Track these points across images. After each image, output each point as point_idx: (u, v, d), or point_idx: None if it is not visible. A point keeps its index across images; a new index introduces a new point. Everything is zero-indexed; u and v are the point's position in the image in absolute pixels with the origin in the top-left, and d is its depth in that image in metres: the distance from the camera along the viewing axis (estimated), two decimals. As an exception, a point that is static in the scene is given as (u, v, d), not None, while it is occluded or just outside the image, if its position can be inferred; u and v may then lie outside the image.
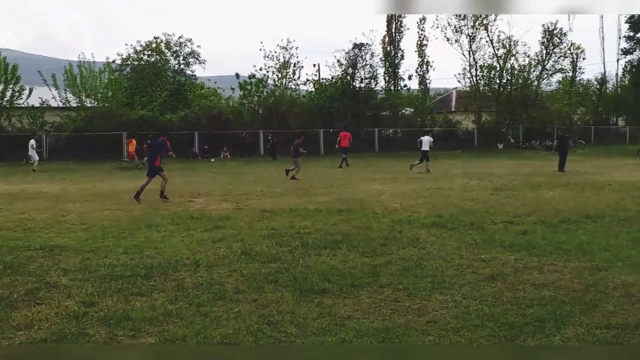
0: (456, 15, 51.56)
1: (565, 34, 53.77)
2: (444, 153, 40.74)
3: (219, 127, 40.90)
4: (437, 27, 53.14)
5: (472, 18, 51.72)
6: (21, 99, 39.16)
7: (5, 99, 38.66)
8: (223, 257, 8.73)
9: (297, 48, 47.19)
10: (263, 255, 8.81)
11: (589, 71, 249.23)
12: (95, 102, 40.74)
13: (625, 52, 54.00)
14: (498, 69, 52.76)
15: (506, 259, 8.43)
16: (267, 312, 6.15)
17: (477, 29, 52.09)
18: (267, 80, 46.83)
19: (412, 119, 50.70)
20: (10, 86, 38.81)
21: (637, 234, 10.26)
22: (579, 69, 58.27)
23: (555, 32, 53.30)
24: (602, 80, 61.76)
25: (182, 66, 52.18)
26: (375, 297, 6.68)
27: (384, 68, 51.46)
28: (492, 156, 38.90)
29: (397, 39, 51.90)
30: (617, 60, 62.37)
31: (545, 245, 9.35)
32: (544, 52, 53.71)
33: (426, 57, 53.01)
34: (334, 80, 48.46)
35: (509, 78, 53.34)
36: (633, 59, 53.91)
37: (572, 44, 55.62)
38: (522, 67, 53.59)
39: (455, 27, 52.21)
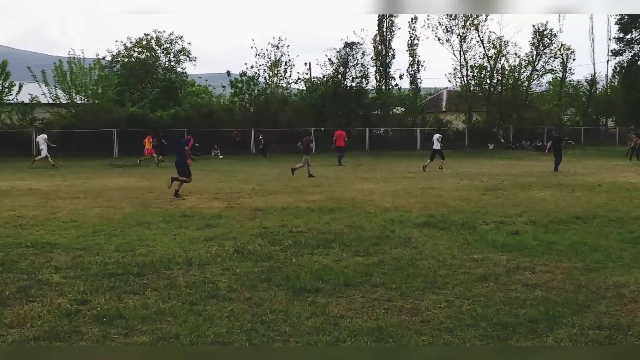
0: (447, 15, 51.70)
1: (555, 35, 54.04)
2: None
3: (210, 125, 40.81)
4: (428, 26, 53.21)
5: (463, 18, 51.88)
6: (10, 95, 38.94)
7: (-5, 95, 38.45)
8: (215, 256, 8.71)
9: (288, 46, 47.20)
10: (255, 254, 8.80)
11: (579, 72, 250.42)
12: (85, 99, 40.51)
13: (615, 53, 54.20)
14: (489, 69, 52.95)
15: (498, 259, 8.46)
16: (261, 311, 6.15)
17: (467, 29, 52.26)
18: (258, 78, 46.81)
19: (403, 118, 50.80)
20: (0, 82, 38.55)
21: (627, 235, 10.32)
22: (569, 69, 58.54)
23: (545, 32, 53.53)
24: (592, 81, 62.08)
25: (172, 63, 52.00)
26: (369, 297, 6.68)
27: (375, 67, 51.54)
28: (483, 156, 39.05)
29: (388, 38, 51.95)
30: (607, 62, 62.69)
31: (537, 245, 9.39)
32: (535, 52, 53.96)
33: (417, 56, 53.10)
34: (325, 79, 48.49)
35: (500, 78, 53.54)
36: (623, 60, 54.14)
37: (562, 44, 55.87)
38: (513, 67, 53.83)
39: (446, 27, 52.38)
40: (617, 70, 56.60)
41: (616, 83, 60.76)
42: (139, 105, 41.90)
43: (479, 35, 52.39)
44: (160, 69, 51.23)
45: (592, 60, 72.57)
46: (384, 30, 51.82)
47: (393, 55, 52.27)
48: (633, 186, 18.81)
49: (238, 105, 46.12)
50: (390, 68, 52.21)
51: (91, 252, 8.99)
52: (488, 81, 53.33)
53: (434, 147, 26.83)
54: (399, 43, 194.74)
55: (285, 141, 41.99)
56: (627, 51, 53.75)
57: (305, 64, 60.86)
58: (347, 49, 48.14)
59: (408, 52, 52.96)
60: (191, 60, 52.91)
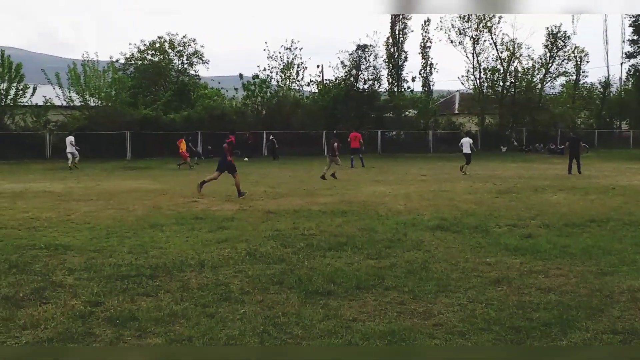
0: (460, 17, 51.60)
1: (569, 37, 53.74)
2: (447, 156, 40.78)
3: (222, 127, 40.86)
4: (441, 29, 53.15)
5: (476, 20, 51.73)
6: (25, 97, 39.23)
7: (9, 97, 38.72)
8: (228, 258, 8.73)
9: (301, 49, 47.29)
10: (268, 257, 8.81)
11: (593, 75, 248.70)
12: (99, 102, 40.78)
13: (629, 55, 53.77)
14: (502, 71, 52.73)
15: (511, 263, 8.42)
16: (273, 314, 6.15)
17: (481, 31, 52.11)
18: (270, 80, 46.89)
19: (415, 121, 50.71)
20: (14, 84, 38.90)
21: (642, 239, 10.23)
22: (583, 72, 58.23)
23: (559, 35, 53.25)
24: (606, 84, 61.67)
25: (185, 66, 52.19)
26: (381, 300, 6.67)
27: (387, 70, 51.47)
28: (496, 159, 38.87)
29: (401, 41, 51.89)
30: (621, 64, 62.29)
31: (550, 249, 9.32)
32: (548, 55, 53.66)
33: (430, 59, 53.03)
34: (337, 81, 48.50)
35: (513, 81, 53.30)
36: (637, 63, 53.67)
37: (576, 47, 55.54)
38: (526, 70, 53.56)
39: (459, 29, 52.25)
40: (631, 72, 56.20)
41: (630, 86, 60.28)
42: (151, 108, 42.09)
43: (492, 38, 52.28)
44: (173, 72, 51.41)
45: (606, 62, 71.94)
46: (397, 32, 51.79)
47: (405, 58, 52.25)
48: (647, 189, 18.66)
49: (250, 107, 46.23)
50: (402, 70, 52.19)
51: (104, 254, 9.03)
52: (501, 83, 53.11)
53: (465, 151, 26.68)
54: (411, 45, 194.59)
55: (297, 144, 42.04)
56: (641, 53, 53.34)
57: (318, 66, 61.03)
58: (360, 52, 48.13)
59: (421, 54, 52.90)
60: (204, 63, 53.16)
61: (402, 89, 52.10)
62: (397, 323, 5.89)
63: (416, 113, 51.15)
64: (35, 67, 48.74)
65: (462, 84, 54.72)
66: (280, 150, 39.54)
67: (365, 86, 48.49)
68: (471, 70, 52.89)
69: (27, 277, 7.57)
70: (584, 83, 60.41)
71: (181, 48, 51.28)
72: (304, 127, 43.35)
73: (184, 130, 39.68)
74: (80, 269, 8.01)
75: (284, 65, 46.97)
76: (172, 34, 51.01)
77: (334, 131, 31.90)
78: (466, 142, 26.90)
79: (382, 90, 50.79)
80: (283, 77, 47.31)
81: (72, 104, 40.54)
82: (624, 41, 58.47)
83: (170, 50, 50.78)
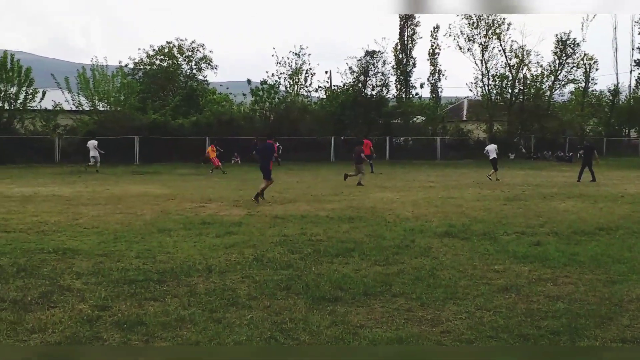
0: (469, 23, 51.51)
1: (578, 44, 53.51)
2: (455, 162, 40.73)
3: (231, 132, 40.95)
4: (450, 35, 53.06)
5: (485, 27, 51.66)
6: (34, 101, 39.36)
7: (19, 101, 38.87)
8: (235, 263, 8.73)
9: (309, 55, 47.32)
10: (275, 262, 8.81)
11: (602, 82, 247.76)
12: (108, 106, 40.90)
13: (639, 63, 53.64)
14: (510, 78, 52.59)
15: (520, 270, 8.39)
16: (280, 320, 6.14)
17: (489, 38, 52.00)
18: (278, 86, 46.94)
19: (423, 127, 50.63)
20: (24, 89, 39.02)
21: (651, 247, 10.18)
22: (592, 79, 57.94)
23: (568, 42, 53.10)
24: (615, 92, 61.39)
25: (194, 71, 52.37)
26: (388, 307, 6.65)
27: (395, 76, 51.44)
28: (504, 166, 38.69)
29: (409, 47, 51.88)
30: (630, 72, 61.92)
31: (559, 256, 9.28)
32: (557, 62, 53.48)
33: (438, 65, 52.97)
34: (345, 87, 48.51)
35: (521, 88, 53.13)
36: (646, 71, 53.60)
37: (585, 54, 55.33)
38: (535, 77, 53.39)
39: (467, 35, 52.14)
40: (641, 80, 55.99)
41: (639, 93, 60.07)
42: (160, 113, 42.18)
43: (500, 44, 52.11)
44: (182, 77, 51.58)
45: (615, 70, 71.71)
46: (405, 39, 51.78)
47: (414, 64, 52.19)
48: (657, 197, 18.56)
49: (258, 113, 46.27)
50: (411, 77, 52.12)
51: (112, 258, 9.05)
52: (509, 90, 52.95)
53: (490, 157, 26.69)
54: (420, 52, 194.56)
55: (304, 149, 42.01)
56: (651, 61, 53.18)
57: (326, 72, 61.04)
58: (368, 58, 48.11)
59: (429, 60, 52.86)
60: (212, 68, 53.31)
61: (410, 96, 52.06)
62: (404, 330, 5.87)
63: (424, 119, 51.07)
64: (45, 71, 48.99)
65: (471, 90, 54.61)
66: (288, 155, 39.50)
67: (373, 92, 48.48)
68: (480, 77, 52.78)
69: (35, 281, 7.59)
70: (593, 90, 60.12)
71: (190, 53, 51.47)
72: (311, 132, 43.35)
73: (193, 136, 39.89)
74: (88, 273, 8.03)
75: (292, 71, 47.02)
76: (181, 39, 51.27)
77: (359, 138, 31.68)
78: (492, 148, 26.93)
79: (390, 96, 50.74)
80: (291, 83, 47.37)
81: (81, 109, 40.65)
82: (633, 48, 58.33)
83: (179, 56, 50.95)
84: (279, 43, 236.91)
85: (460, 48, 52.65)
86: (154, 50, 50.29)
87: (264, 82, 46.31)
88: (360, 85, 48.26)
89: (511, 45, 52.20)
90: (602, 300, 6.90)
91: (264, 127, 43.95)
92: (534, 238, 11.03)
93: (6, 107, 38.77)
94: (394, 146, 47.76)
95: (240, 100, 50.00)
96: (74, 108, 40.59)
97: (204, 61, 52.24)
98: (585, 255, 9.41)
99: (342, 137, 43.66)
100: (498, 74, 52.54)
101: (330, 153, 43.39)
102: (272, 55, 47.09)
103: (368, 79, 48.34)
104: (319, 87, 49.90)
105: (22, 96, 38.91)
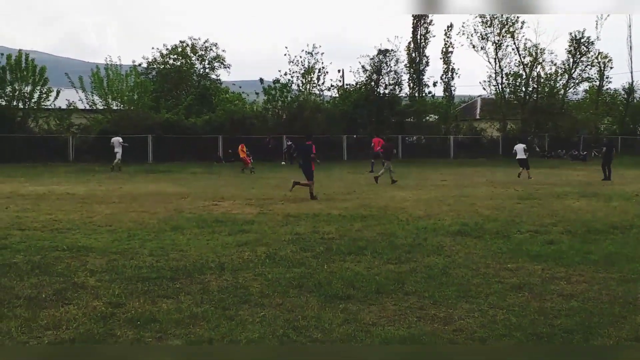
0: (482, 22, 51.35)
1: (592, 43, 53.27)
2: (468, 161, 40.58)
3: (243, 131, 41.00)
4: (463, 34, 52.94)
5: (499, 25, 51.46)
6: (48, 100, 39.61)
7: (33, 100, 39.14)
8: (248, 261, 8.76)
9: (322, 54, 47.24)
10: (287, 260, 8.83)
11: (617, 80, 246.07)
12: (121, 105, 41.09)
13: (654, 61, 53.33)
14: (524, 77, 52.39)
15: (533, 269, 8.35)
16: (292, 317, 6.16)
17: (503, 36, 51.80)
18: (291, 85, 46.94)
19: (436, 126, 50.50)
20: (38, 88, 39.27)
21: (666, 246, 10.10)
22: (606, 78, 57.62)
23: (582, 40, 52.82)
24: (630, 90, 60.93)
25: (207, 70, 52.54)
26: (401, 305, 6.64)
27: (408, 74, 51.37)
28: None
29: (423, 46, 51.78)
30: (645, 70, 61.66)
31: (573, 255, 9.24)
32: (571, 60, 53.24)
33: (451, 63, 52.84)
34: (358, 86, 48.46)
35: (535, 86, 52.94)
36: (661, 69, 53.20)
37: (599, 52, 55.02)
38: (549, 75, 53.18)
39: (481, 34, 51.98)
40: (656, 78, 55.60)
41: (654, 92, 59.62)
42: (173, 112, 42.38)
43: (514, 43, 51.94)
44: (195, 76, 51.78)
45: (630, 68, 71.16)
46: (419, 37, 51.70)
47: (427, 63, 52.14)
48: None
49: (271, 112, 46.31)
50: (424, 75, 52.04)
51: (126, 256, 9.10)
52: (523, 89, 52.77)
53: (519, 156, 26.66)
54: (433, 50, 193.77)
55: (317, 148, 41.89)
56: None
57: (339, 71, 61.10)
58: (381, 56, 48.07)
59: (442, 59, 52.78)
60: (225, 68, 53.47)
61: (423, 94, 51.97)
62: (416, 328, 5.87)
63: (437, 118, 50.94)
64: (59, 70, 49.30)
65: (484, 89, 54.50)
66: (293, 155, 39.47)
67: (386, 91, 48.42)
68: (493, 75, 52.63)
69: (49, 278, 7.65)
70: (607, 89, 59.78)
71: (203, 52, 51.65)
72: (324, 131, 43.32)
73: (206, 134, 40.01)
74: (102, 271, 8.08)
75: (304, 70, 47.00)
76: (194, 39, 51.48)
77: (384, 136, 31.60)
78: (520, 148, 26.90)
79: (403, 95, 50.71)
80: (304, 82, 47.35)
81: (94, 108, 40.87)
82: (648, 47, 57.90)
83: (192, 55, 51.15)
84: (291, 42, 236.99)
85: (474, 46, 52.57)
86: (167, 49, 50.54)
87: (276, 81, 46.32)
88: (373, 83, 48.22)
89: (525, 44, 52.08)
90: (616, 299, 6.86)
91: (276, 125, 44.01)
92: (547, 236, 10.98)
93: (21, 106, 39.05)
94: (407, 145, 47.65)
95: (253, 99, 50.06)
96: (87, 107, 40.83)
97: (216, 60, 52.44)
98: (599, 253, 9.36)
99: (355, 136, 43.60)
100: (512, 73, 52.40)
101: (343, 152, 43.37)
102: (285, 55, 46.95)
103: (381, 77, 48.29)
104: (332, 85, 49.90)
105: (36, 95, 39.15)
